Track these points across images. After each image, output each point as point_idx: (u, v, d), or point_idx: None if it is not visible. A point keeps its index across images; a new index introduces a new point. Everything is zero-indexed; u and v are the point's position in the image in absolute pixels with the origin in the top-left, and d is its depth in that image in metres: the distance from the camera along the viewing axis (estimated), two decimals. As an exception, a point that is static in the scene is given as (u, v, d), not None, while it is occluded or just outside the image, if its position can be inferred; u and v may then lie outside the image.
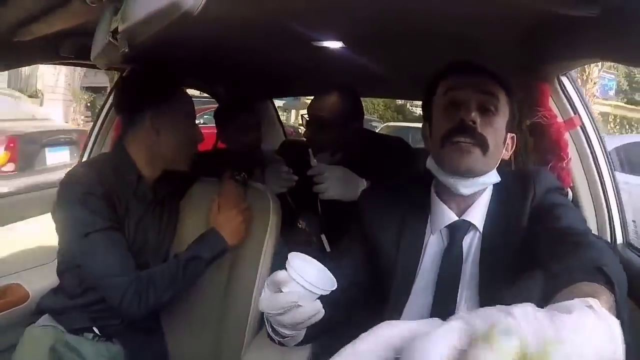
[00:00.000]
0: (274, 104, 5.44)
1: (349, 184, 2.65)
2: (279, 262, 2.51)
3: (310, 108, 3.09)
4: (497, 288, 1.68)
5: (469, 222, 1.80)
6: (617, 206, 2.28)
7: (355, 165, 2.83)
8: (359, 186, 2.62)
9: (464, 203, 1.82)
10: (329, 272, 1.56)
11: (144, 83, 2.31)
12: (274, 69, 3.51)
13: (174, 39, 1.35)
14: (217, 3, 1.06)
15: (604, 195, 2.27)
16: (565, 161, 2.24)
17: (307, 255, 1.54)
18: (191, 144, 2.42)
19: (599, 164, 2.26)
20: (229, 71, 3.60)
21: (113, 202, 2.18)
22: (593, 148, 2.28)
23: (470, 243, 1.80)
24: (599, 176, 2.25)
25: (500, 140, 1.78)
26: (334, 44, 2.57)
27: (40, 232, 2.64)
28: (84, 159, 3.15)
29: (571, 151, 2.27)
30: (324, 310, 1.48)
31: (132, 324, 2.27)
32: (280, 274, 1.44)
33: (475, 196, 1.82)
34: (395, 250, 1.86)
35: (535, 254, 1.58)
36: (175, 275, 2.21)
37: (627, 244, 2.26)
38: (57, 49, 2.21)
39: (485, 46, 2.19)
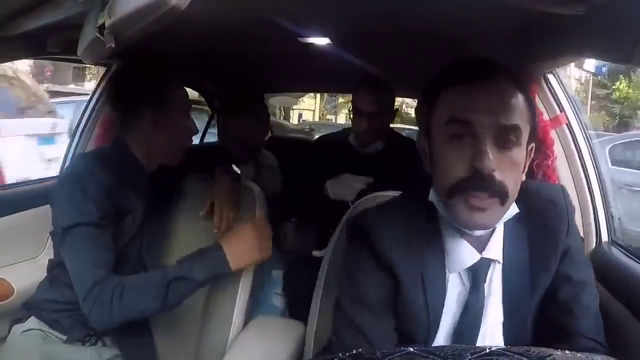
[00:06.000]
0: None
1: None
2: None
3: (362, 103, 3.18)
4: (521, 318, 1.59)
5: (491, 259, 1.55)
6: (603, 204, 2.28)
7: (393, 154, 3.09)
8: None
9: (483, 236, 1.55)
10: None
11: (144, 78, 2.28)
12: (261, 64, 3.51)
13: (161, 34, 1.34)
14: (204, -1, 1.07)
15: (590, 193, 2.27)
16: (551, 159, 2.25)
17: None
18: (188, 136, 2.41)
19: (584, 162, 2.26)
20: (216, 67, 3.60)
21: (112, 197, 2.11)
22: (579, 146, 2.28)
23: (491, 278, 1.58)
24: (585, 174, 2.26)
25: (521, 171, 1.47)
26: (321, 40, 2.57)
27: (27, 225, 2.63)
28: (70, 155, 3.13)
29: (557, 149, 2.28)
30: None
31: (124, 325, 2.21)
32: None
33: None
34: (422, 292, 1.57)
35: (552, 298, 1.59)
36: (157, 292, 2.01)
37: (613, 241, 2.27)
38: (44, 44, 2.20)
39: (472, 45, 2.19)
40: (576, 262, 1.61)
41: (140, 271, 2.32)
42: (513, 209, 1.50)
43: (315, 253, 3.08)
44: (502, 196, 1.40)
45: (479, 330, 1.56)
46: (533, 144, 1.55)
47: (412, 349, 0.69)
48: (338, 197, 3.14)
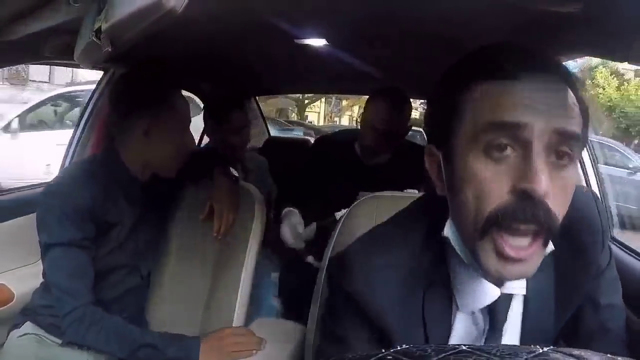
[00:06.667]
0: (257, 102, 5.45)
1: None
2: (262, 265, 2.51)
3: (377, 120, 3.05)
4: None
5: (512, 294, 1.24)
6: (601, 200, 2.28)
7: (398, 165, 3.00)
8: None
9: None
10: None
11: (140, 86, 2.24)
12: (258, 66, 3.51)
13: (158, 37, 1.34)
14: (200, 1, 1.07)
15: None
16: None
17: None
18: (183, 151, 2.34)
19: (582, 160, 2.26)
20: (212, 69, 3.59)
21: (98, 213, 2.11)
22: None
23: (509, 313, 1.27)
24: (583, 171, 2.26)
25: (571, 196, 1.10)
26: (317, 42, 2.57)
27: (27, 230, 2.62)
28: (67, 162, 3.13)
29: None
30: None
31: None
32: None
33: None
34: (422, 338, 1.23)
35: (575, 322, 1.32)
36: (128, 346, 2.02)
37: (611, 238, 2.27)
38: (41, 49, 2.20)
39: (469, 45, 2.19)
40: (606, 283, 1.35)
41: (136, 278, 2.36)
42: (549, 247, 1.15)
43: (309, 259, 3.02)
44: (549, 233, 1.05)
45: None
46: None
47: (464, 347, 0.63)
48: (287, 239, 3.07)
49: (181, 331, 2.21)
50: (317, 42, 2.59)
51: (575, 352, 0.63)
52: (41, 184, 2.99)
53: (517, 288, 1.22)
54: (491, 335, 1.23)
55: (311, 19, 2.17)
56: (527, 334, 1.26)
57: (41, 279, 2.21)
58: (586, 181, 2.26)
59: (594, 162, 2.30)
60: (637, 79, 27.31)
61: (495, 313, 1.22)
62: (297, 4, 1.92)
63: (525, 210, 1.01)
